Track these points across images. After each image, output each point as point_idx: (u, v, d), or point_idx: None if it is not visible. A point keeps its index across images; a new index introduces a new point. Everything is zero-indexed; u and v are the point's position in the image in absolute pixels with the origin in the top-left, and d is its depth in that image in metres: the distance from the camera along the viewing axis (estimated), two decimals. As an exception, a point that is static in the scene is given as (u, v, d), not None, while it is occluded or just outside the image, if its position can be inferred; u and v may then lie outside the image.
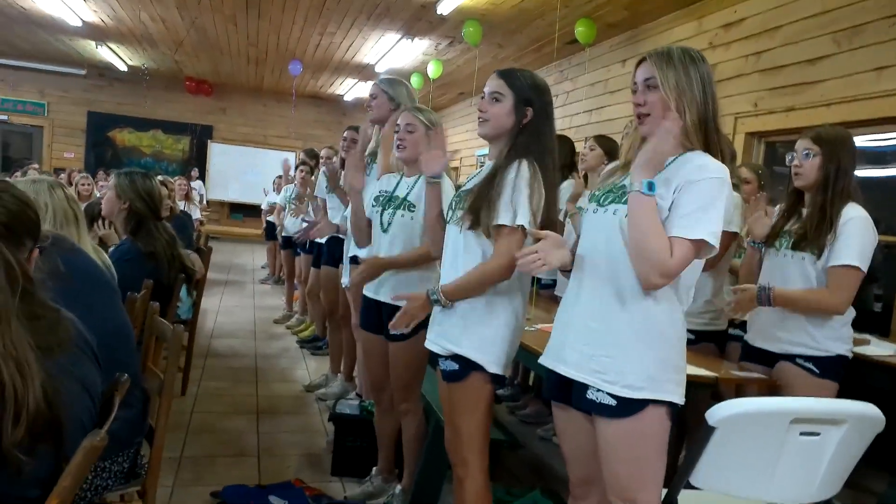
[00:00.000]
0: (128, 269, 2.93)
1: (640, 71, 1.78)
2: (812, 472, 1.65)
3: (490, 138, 2.18)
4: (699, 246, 1.65)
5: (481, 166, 2.42)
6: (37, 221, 1.59)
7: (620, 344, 1.72)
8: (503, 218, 2.03)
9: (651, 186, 1.63)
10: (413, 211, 2.71)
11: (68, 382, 1.36)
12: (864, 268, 2.36)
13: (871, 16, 4.10)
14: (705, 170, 1.66)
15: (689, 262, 1.67)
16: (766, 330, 2.56)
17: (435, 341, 2.20)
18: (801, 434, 1.59)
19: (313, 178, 5.72)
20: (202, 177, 13.88)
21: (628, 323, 1.72)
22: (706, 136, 1.73)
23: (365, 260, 2.80)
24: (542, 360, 1.91)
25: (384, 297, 2.76)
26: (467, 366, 2.10)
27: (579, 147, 4.26)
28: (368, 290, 2.85)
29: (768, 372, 2.54)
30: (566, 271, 1.93)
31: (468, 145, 11.25)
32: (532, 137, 2.10)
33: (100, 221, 3.73)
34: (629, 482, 1.75)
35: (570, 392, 1.82)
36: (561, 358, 1.82)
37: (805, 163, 2.48)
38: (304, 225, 5.46)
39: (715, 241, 1.64)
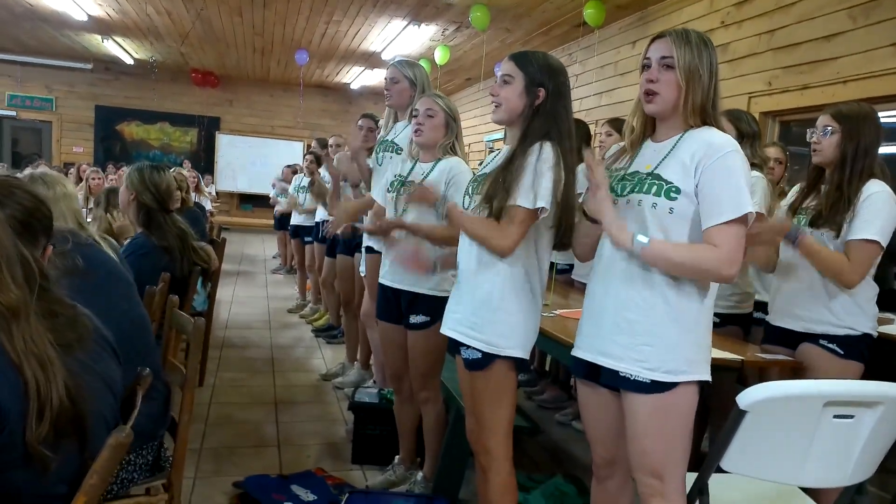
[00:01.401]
0: (144, 263, 2.93)
1: (655, 47, 1.76)
2: (846, 455, 1.63)
3: (505, 122, 2.13)
4: (745, 219, 1.66)
5: (490, 151, 2.38)
6: (50, 218, 1.58)
7: (659, 332, 1.72)
8: (521, 200, 1.98)
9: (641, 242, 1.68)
10: None
11: (89, 378, 1.36)
12: (884, 243, 2.31)
13: (887, -10, 4.03)
14: (716, 147, 1.68)
15: (741, 240, 1.67)
16: (788, 308, 2.52)
17: (454, 328, 2.16)
18: (835, 417, 1.57)
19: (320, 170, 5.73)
20: (210, 168, 13.92)
21: (664, 310, 1.72)
22: (704, 119, 1.75)
23: (387, 221, 2.73)
24: (577, 353, 1.89)
25: (402, 285, 2.73)
26: (490, 353, 2.07)
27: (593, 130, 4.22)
28: (385, 279, 2.82)
29: (791, 354, 2.50)
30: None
31: (477, 130, 11.19)
32: (548, 120, 2.05)
33: (114, 212, 3.73)
34: (657, 458, 1.75)
35: (598, 370, 1.82)
36: (600, 350, 1.81)
37: (823, 140, 2.42)
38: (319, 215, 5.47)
39: (751, 206, 1.66)
